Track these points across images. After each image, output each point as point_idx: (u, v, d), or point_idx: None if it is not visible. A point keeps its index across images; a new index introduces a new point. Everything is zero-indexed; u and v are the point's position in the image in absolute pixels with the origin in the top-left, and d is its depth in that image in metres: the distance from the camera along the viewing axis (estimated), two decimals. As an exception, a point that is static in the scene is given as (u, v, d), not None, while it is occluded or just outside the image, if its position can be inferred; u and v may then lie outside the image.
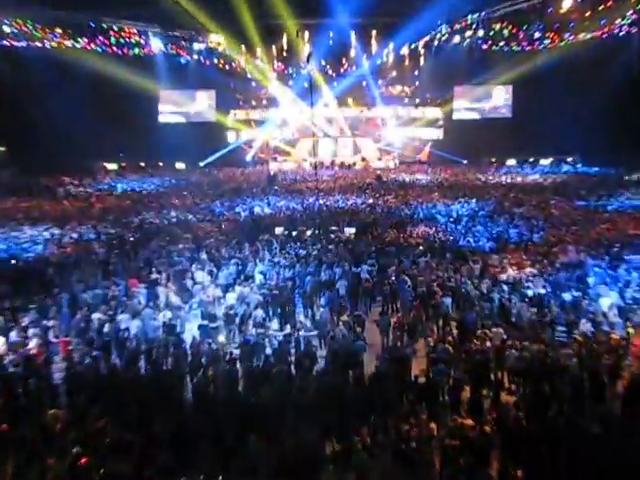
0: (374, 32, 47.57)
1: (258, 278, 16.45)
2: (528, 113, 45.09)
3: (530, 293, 14.52)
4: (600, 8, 38.53)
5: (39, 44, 43.41)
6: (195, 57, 50.00)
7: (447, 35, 46.56)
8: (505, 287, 14.93)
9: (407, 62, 50.66)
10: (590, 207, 27.35)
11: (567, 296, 14.16)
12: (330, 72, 50.97)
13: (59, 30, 42.76)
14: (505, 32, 45.08)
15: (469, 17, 43.93)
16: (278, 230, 22.05)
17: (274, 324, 14.28)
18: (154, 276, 16.64)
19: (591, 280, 15.32)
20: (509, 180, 39.00)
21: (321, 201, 29.35)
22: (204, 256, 18.56)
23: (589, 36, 42.58)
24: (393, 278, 15.95)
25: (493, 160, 49.54)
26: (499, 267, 17.03)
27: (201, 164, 50.29)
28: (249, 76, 51.07)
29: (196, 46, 49.07)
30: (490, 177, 41.06)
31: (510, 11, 41.49)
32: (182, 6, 37.79)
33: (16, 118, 39.54)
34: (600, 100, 38.16)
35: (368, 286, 15.74)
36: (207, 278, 16.43)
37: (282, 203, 30.61)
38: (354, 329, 12.60)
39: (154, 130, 48.58)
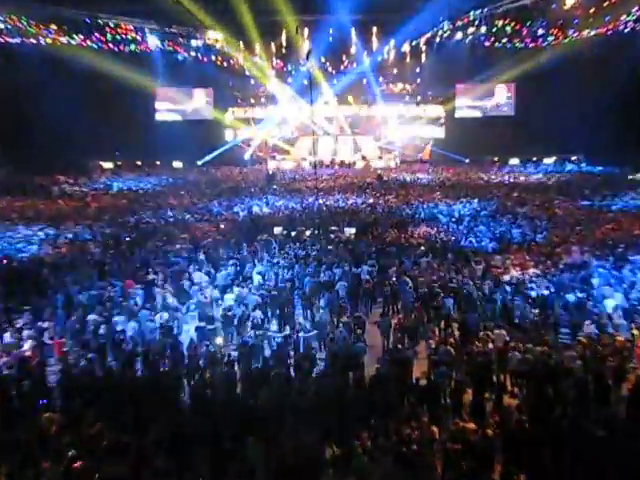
0: (375, 29, 47.50)
1: (256, 279, 16.46)
2: (531, 111, 45.06)
3: (533, 294, 14.55)
4: (605, 4, 38.45)
5: (34, 40, 43.29)
6: (192, 54, 49.91)
7: (449, 32, 46.47)
8: (508, 288, 14.93)
9: (408, 59, 50.56)
10: (594, 207, 27.36)
11: (571, 297, 14.16)
12: (330, 69, 50.89)
13: (54, 26, 42.61)
14: (508, 29, 44.99)
15: (471, 13, 43.87)
16: (277, 230, 22.07)
17: (273, 326, 14.30)
18: (151, 277, 16.65)
19: (595, 281, 15.33)
20: (512, 179, 39.00)
21: (321, 201, 29.34)
22: (202, 256, 18.58)
23: (593, 33, 42.53)
24: (394, 279, 15.97)
25: (495, 159, 49.49)
26: (502, 268, 17.06)
27: (199, 163, 50.26)
28: (247, 73, 50.96)
29: (193, 43, 48.99)
30: (492, 176, 41.06)
31: (513, 7, 41.44)
32: (179, 2, 37.74)
33: (10, 116, 39.50)
34: (605, 98, 38.17)
35: (368, 287, 15.75)
36: (205, 279, 16.43)
37: (281, 203, 30.61)
38: (354, 331, 12.61)
39: (151, 128, 48.53)
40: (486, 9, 42.80)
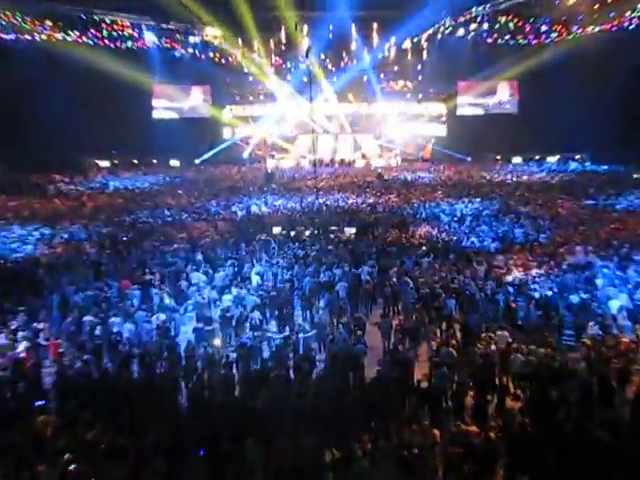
0: (375, 25, 47.50)
1: (255, 279, 16.47)
2: (534, 109, 45.02)
3: (536, 295, 14.54)
4: (609, 0, 38.53)
5: (28, 37, 43.32)
6: (190, 51, 49.95)
7: (451, 28, 46.50)
8: (510, 289, 14.95)
9: (409, 56, 50.58)
10: (599, 206, 27.36)
11: (575, 298, 14.17)
12: (330, 66, 50.89)
13: (49, 22, 42.65)
14: (511, 25, 45.04)
15: (474, 10, 43.90)
16: (276, 230, 22.07)
17: (272, 327, 14.30)
18: (147, 277, 16.67)
19: (599, 282, 15.34)
20: (514, 178, 39.00)
21: (320, 200, 29.34)
22: (199, 257, 18.59)
23: (597, 29, 42.56)
24: (395, 279, 15.97)
25: (498, 157, 49.52)
26: (504, 268, 17.06)
27: (196, 161, 50.26)
28: (246, 70, 50.98)
29: (191, 39, 49.02)
30: (495, 175, 41.06)
31: (516, 4, 41.45)
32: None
33: (4, 113, 39.42)
34: (609, 95, 38.17)
35: (369, 288, 15.76)
36: (202, 279, 16.44)
37: (280, 202, 30.60)
38: (354, 332, 12.62)
39: (148, 126, 48.51)
40: (488, 5, 42.82)
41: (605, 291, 14.62)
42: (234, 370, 11.43)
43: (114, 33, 45.90)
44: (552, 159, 47.84)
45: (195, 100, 53.04)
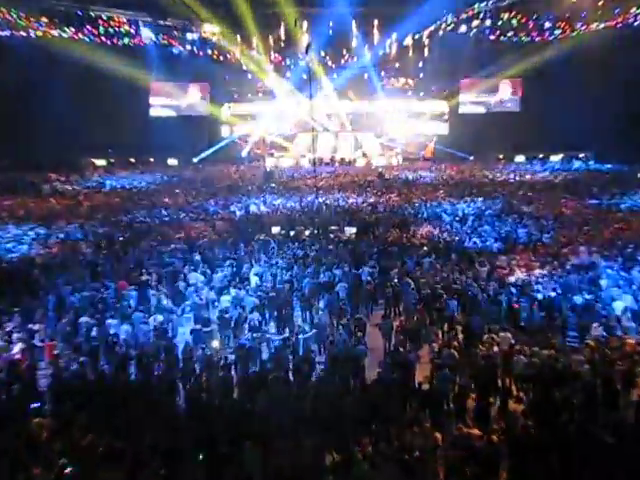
0: (376, 21, 47.56)
1: (254, 280, 16.47)
2: (538, 107, 45.07)
3: (540, 296, 14.55)
4: (614, -4, 38.64)
5: (23, 33, 43.32)
6: (188, 48, 49.98)
7: (453, 25, 46.57)
8: (513, 289, 14.95)
9: (411, 53, 50.65)
10: (603, 206, 27.36)
11: (578, 299, 14.17)
12: (330, 63, 50.92)
13: (45, 19, 42.71)
14: (514, 22, 45.11)
15: (476, 6, 43.96)
16: (275, 230, 22.09)
17: (271, 328, 14.31)
18: (145, 278, 16.67)
19: (604, 282, 15.35)
20: (517, 177, 39.01)
21: (320, 199, 29.35)
22: (197, 257, 18.59)
23: (602, 26, 42.57)
24: (396, 280, 15.98)
25: (501, 156, 49.54)
26: (507, 269, 17.06)
27: (194, 160, 50.27)
28: (244, 68, 51.02)
29: (189, 36, 49.07)
30: (498, 174, 41.07)
31: (519, 0, 41.55)
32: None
33: (-2, 111, 39.56)
34: (614, 93, 38.22)
35: (369, 288, 15.76)
36: (200, 280, 16.45)
37: (279, 201, 30.61)
38: (355, 333, 12.62)
39: (145, 124, 48.52)
40: (491, 2, 42.91)
41: (609, 292, 14.63)
42: (232, 372, 11.43)
43: (111, 30, 45.98)
44: (555, 158, 47.85)
45: (193, 98, 53.06)
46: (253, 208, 28.74)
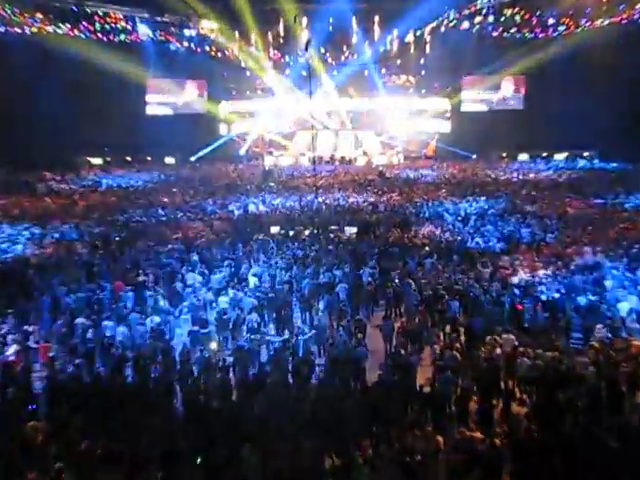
0: (377, 17, 47.59)
1: (252, 281, 16.46)
2: (541, 105, 45.07)
3: (543, 297, 14.55)
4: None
5: (18, 30, 43.32)
6: (185, 44, 49.99)
7: (455, 21, 46.58)
8: (516, 290, 14.95)
9: (412, 50, 50.66)
10: (607, 205, 27.37)
11: (583, 300, 14.17)
12: (330, 60, 50.94)
13: (40, 15, 42.69)
14: (517, 18, 45.12)
15: (478, 2, 44.00)
16: (274, 229, 22.10)
17: (270, 329, 14.31)
18: (141, 278, 16.67)
19: (608, 283, 15.34)
20: (521, 176, 39.02)
21: (320, 199, 29.36)
22: (195, 257, 18.59)
23: (607, 22, 42.57)
24: (397, 281, 15.98)
25: (504, 155, 49.55)
26: (510, 269, 17.06)
27: (192, 159, 50.27)
28: (243, 65, 51.03)
29: (186, 32, 49.07)
30: (501, 173, 41.08)
31: (522, -5, 41.63)
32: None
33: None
34: (618, 91, 38.22)
35: (370, 289, 15.76)
36: (198, 280, 16.45)
37: (278, 201, 30.62)
38: (355, 335, 12.62)
39: (141, 122, 48.49)
40: (494, -3, 42.92)
41: (614, 293, 14.63)
42: (231, 374, 11.43)
43: (107, 26, 45.98)
44: (560, 156, 47.85)
45: (190, 95, 53.08)
46: (252, 207, 28.75)
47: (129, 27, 47.00)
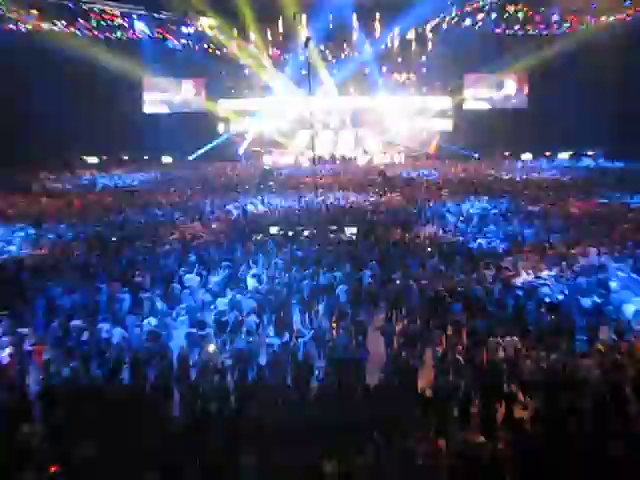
0: (377, 14, 47.61)
1: (251, 282, 16.45)
2: (545, 103, 45.16)
3: (547, 299, 14.54)
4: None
5: (13, 27, 43.34)
6: (183, 42, 50.03)
7: (457, 18, 46.61)
8: (520, 292, 14.94)
9: (413, 47, 50.71)
10: (613, 205, 27.38)
11: (587, 302, 14.15)
12: (330, 58, 50.99)
13: (35, 12, 42.69)
14: (520, 15, 45.14)
15: (481, -2, 44.04)
16: (273, 230, 22.08)
17: (269, 331, 14.29)
18: (138, 280, 16.64)
19: (614, 284, 15.33)
20: (524, 176, 39.05)
21: (320, 198, 29.36)
22: (192, 258, 18.58)
23: (612, 19, 42.59)
24: (398, 282, 15.97)
25: (507, 154, 49.58)
26: (513, 270, 17.05)
27: (190, 158, 50.30)
28: (242, 62, 51.07)
29: (184, 30, 49.09)
30: (503, 172, 41.11)
31: (526, -8, 41.63)
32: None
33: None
34: (623, 89, 38.22)
35: (371, 291, 15.75)
36: (196, 282, 16.44)
37: (277, 201, 30.64)
38: (355, 337, 12.59)
39: (138, 120, 48.57)
40: (497, -6, 42.93)
41: (619, 294, 14.62)
42: (229, 377, 11.42)
43: (103, 23, 45.97)
44: (564, 155, 47.88)
45: (188, 93, 53.18)
46: (250, 207, 28.78)
47: (126, 24, 47.04)
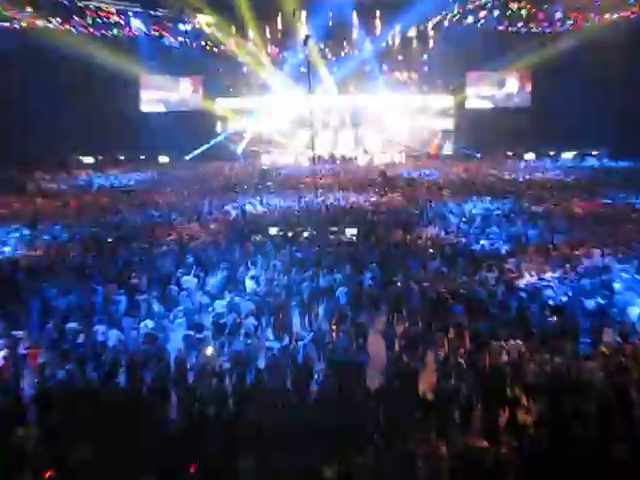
0: (378, 12, 47.64)
1: (250, 284, 16.46)
2: (549, 102, 45.15)
3: (551, 301, 14.55)
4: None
5: (7, 24, 43.32)
6: (181, 39, 50.05)
7: (459, 15, 46.62)
8: (523, 294, 14.95)
9: (415, 45, 50.73)
10: (617, 205, 27.40)
11: (591, 304, 14.17)
12: (330, 56, 51.01)
13: (29, 9, 42.68)
14: (523, 12, 45.17)
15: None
16: (272, 231, 22.10)
17: (268, 334, 14.31)
18: (135, 281, 16.66)
19: (618, 286, 15.34)
20: (527, 176, 39.07)
21: (320, 199, 29.39)
22: (190, 259, 18.59)
23: (616, 16, 42.61)
24: (399, 284, 15.98)
25: (510, 153, 49.60)
26: (516, 272, 17.06)
27: (187, 158, 50.30)
28: (240, 60, 51.07)
29: (182, 27, 49.12)
30: (506, 172, 41.12)
31: (529, -11, 41.69)
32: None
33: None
34: (629, 87, 38.24)
35: (372, 293, 15.76)
36: (193, 283, 16.45)
37: (276, 201, 30.65)
38: (356, 340, 12.60)
39: (135, 119, 48.57)
40: (499, -9, 42.98)
41: (624, 296, 14.63)
42: (227, 381, 11.43)
43: (99, 20, 45.95)
44: (568, 155, 47.90)
45: (186, 92, 53.19)
46: (249, 208, 28.79)
47: (122, 21, 47.05)
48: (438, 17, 47.02)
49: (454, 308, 14.20)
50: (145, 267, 18.12)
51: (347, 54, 51.21)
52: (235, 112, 52.48)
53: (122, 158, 49.94)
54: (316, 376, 11.59)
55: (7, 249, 21.25)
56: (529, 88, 51.12)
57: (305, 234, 21.92)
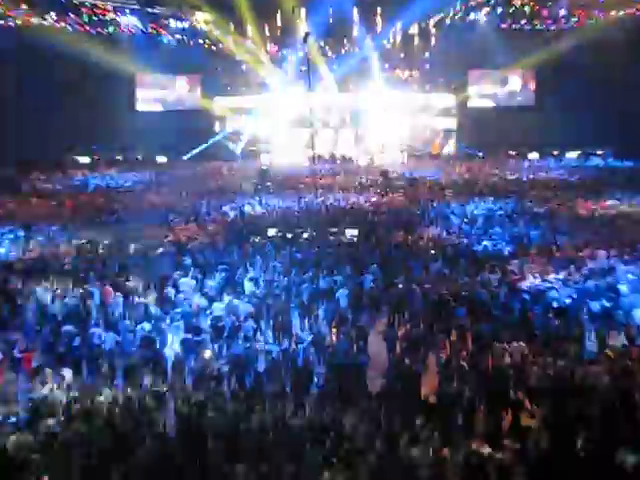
0: (379, 9, 47.65)
1: (248, 286, 16.47)
2: (553, 100, 45.19)
3: (554, 303, 14.55)
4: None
5: (1, 21, 43.36)
6: (178, 37, 50.06)
7: (461, 13, 46.64)
8: (526, 296, 14.96)
9: (416, 43, 50.74)
10: (622, 206, 27.39)
11: (596, 306, 14.18)
12: (330, 54, 51.02)
13: (24, 6, 42.72)
14: (527, 9, 45.19)
15: (486, -8, 44.10)
16: (271, 232, 22.11)
17: (267, 337, 14.30)
18: (131, 284, 16.66)
19: (623, 288, 15.34)
20: (531, 175, 39.07)
21: (320, 199, 29.40)
22: (188, 261, 18.59)
23: (622, 13, 42.63)
24: (400, 286, 15.99)
25: (513, 153, 49.60)
26: (519, 273, 17.07)
27: (185, 158, 50.30)
28: (238, 58, 51.08)
29: (179, 25, 49.13)
30: (509, 172, 41.13)
31: (532, -15, 41.71)
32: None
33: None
34: (634, 86, 38.23)
35: (372, 295, 15.76)
36: (191, 285, 16.45)
37: (276, 201, 30.67)
38: (356, 342, 12.60)
39: (131, 119, 48.60)
40: (502, -12, 43.01)
41: (629, 298, 14.62)
42: (225, 384, 11.43)
43: (95, 17, 45.97)
44: (572, 155, 47.89)
45: (183, 91, 53.20)
46: (248, 209, 28.80)
47: (118, 19, 47.06)
48: (440, 14, 47.00)
49: (456, 310, 14.21)
50: (142, 269, 18.13)
51: (347, 52, 51.22)
52: (233, 111, 52.45)
53: (118, 158, 49.90)
54: (316, 379, 11.61)
55: (1, 250, 21.22)
56: (532, 86, 51.14)
57: (305, 235, 21.93)
